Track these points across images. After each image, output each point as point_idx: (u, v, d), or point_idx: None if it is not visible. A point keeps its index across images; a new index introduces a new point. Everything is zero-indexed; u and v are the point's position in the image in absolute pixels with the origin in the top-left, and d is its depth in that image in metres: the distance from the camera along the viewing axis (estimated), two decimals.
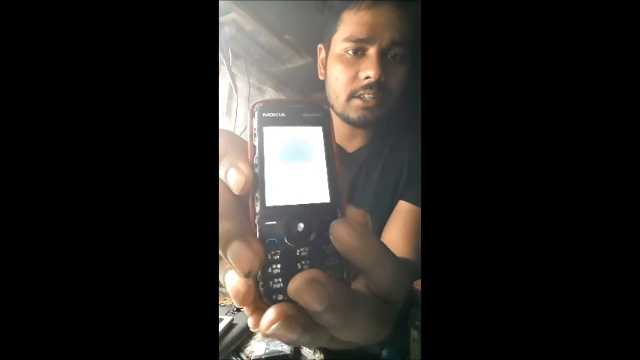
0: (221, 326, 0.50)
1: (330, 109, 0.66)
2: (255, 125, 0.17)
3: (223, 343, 0.48)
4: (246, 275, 0.15)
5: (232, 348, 0.49)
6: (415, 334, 0.42)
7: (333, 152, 0.18)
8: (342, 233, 0.16)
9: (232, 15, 0.88)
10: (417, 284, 0.43)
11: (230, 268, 0.17)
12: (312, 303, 0.15)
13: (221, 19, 0.89)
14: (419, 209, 0.61)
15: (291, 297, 0.15)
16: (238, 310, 0.58)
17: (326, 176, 0.17)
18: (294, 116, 0.18)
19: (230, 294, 0.17)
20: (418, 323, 0.41)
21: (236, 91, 1.02)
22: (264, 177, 0.16)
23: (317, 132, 0.18)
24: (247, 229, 0.16)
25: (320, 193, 0.17)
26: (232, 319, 0.53)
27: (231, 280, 0.17)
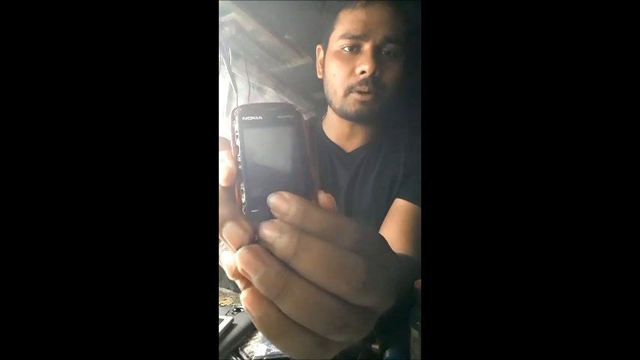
0: (221, 326, 0.50)
1: (329, 106, 0.68)
2: (237, 128, 0.19)
3: (223, 343, 0.48)
4: (238, 249, 0.17)
5: (232, 348, 0.49)
6: (416, 333, 0.41)
7: (306, 147, 0.20)
8: (274, 200, 0.18)
9: (232, 15, 0.88)
10: (417, 283, 0.42)
11: (224, 250, 0.19)
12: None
13: (221, 19, 0.90)
14: (415, 207, 0.62)
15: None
16: (238, 310, 0.58)
17: (300, 168, 0.20)
18: (270, 118, 0.20)
19: (225, 270, 0.19)
20: (419, 323, 0.41)
21: (236, 91, 1.02)
22: (248, 172, 0.19)
23: (290, 131, 0.20)
24: (237, 212, 0.18)
25: (296, 183, 0.19)
26: (232, 319, 0.53)
27: (225, 258, 0.19)
